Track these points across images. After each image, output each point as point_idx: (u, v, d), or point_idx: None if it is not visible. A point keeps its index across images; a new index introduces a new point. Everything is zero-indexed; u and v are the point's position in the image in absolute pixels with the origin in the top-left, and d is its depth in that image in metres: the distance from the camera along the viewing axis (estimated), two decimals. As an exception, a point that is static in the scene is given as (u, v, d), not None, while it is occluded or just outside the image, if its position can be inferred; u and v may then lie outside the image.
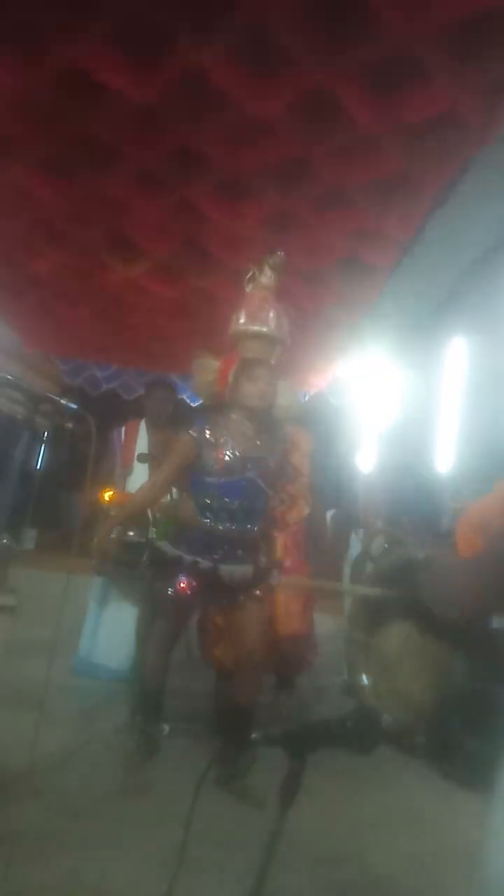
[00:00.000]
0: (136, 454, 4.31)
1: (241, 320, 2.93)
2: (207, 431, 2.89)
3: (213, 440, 2.88)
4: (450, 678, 1.53)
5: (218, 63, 3.23)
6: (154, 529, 3.63)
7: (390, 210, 4.22)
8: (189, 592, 2.90)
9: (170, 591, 2.92)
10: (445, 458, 4.65)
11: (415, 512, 3.64)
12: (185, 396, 5.97)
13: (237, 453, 2.89)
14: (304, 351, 6.19)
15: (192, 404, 5.90)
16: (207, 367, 2.98)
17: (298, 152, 3.88)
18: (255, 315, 2.90)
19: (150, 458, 4.21)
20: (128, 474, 4.27)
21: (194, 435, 2.90)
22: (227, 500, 2.88)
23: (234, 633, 3.12)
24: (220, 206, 4.48)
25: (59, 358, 7.74)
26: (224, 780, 2.78)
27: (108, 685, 4.09)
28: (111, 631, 4.32)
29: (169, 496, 3.48)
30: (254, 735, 1.42)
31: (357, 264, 4.84)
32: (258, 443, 2.94)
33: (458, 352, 4.77)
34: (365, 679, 1.64)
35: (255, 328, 2.88)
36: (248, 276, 3.04)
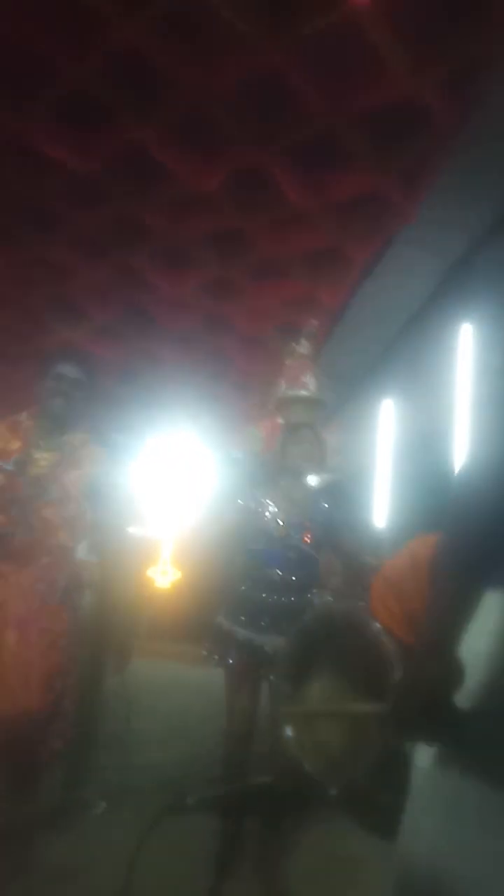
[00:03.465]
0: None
1: (283, 387, 3.06)
2: (253, 498, 2.93)
3: (257, 506, 2.91)
4: (366, 734, 1.56)
5: (158, 139, 3.45)
6: (89, 592, 3.57)
7: (322, 280, 4.47)
8: (239, 665, 2.80)
9: (227, 662, 2.82)
10: (381, 513, 4.78)
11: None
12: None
13: (280, 521, 2.89)
14: (245, 411, 6.35)
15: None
16: (253, 437, 3.07)
17: (235, 224, 4.11)
18: (297, 381, 3.04)
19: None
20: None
21: (241, 503, 2.93)
22: (268, 569, 2.84)
23: None
24: (161, 273, 4.66)
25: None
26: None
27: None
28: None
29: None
30: (188, 799, 1.42)
31: (294, 330, 5.06)
32: (304, 508, 2.94)
33: (388, 413, 4.99)
34: (289, 731, 1.66)
35: (298, 393, 3.01)
36: (285, 349, 3.21)
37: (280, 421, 3.03)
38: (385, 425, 4.97)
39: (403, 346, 4.86)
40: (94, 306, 5.16)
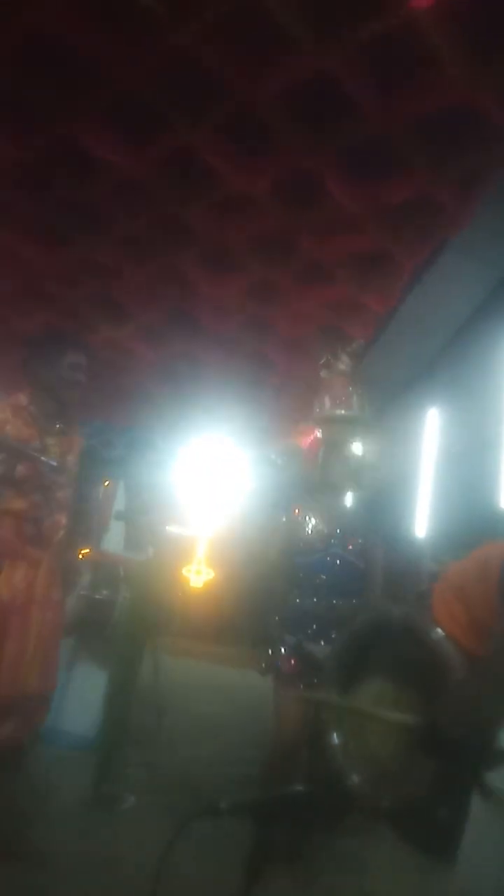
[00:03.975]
0: (113, 512, 4.31)
1: (326, 405, 3.10)
2: (296, 511, 2.98)
3: (301, 520, 2.97)
4: (420, 743, 1.50)
5: (207, 142, 3.42)
6: (125, 587, 3.60)
7: (369, 285, 4.40)
8: (290, 671, 2.83)
9: (273, 671, 2.88)
10: (422, 524, 4.70)
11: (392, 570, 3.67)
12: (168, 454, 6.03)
13: (322, 530, 2.95)
14: (286, 414, 6.31)
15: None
16: (294, 451, 3.14)
17: (282, 227, 4.07)
18: (338, 399, 3.07)
19: (127, 517, 4.21)
20: (104, 532, 4.26)
21: (284, 519, 2.99)
22: (313, 577, 2.92)
23: None
24: (205, 275, 4.65)
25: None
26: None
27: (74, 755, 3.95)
28: (80, 696, 4.20)
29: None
30: (221, 804, 1.39)
31: (335, 332, 5.01)
32: (347, 519, 3.01)
33: (432, 422, 4.90)
34: (335, 738, 1.60)
35: (340, 412, 3.06)
36: (323, 363, 3.23)
37: (320, 436, 3.07)
38: (430, 435, 4.88)
39: (450, 355, 4.76)
40: (139, 307, 5.18)
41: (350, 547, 2.98)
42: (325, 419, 3.15)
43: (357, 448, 3.06)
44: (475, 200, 3.47)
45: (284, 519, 3.02)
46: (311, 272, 4.46)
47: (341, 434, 3.08)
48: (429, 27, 2.64)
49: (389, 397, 5.13)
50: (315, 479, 3.08)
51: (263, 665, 2.92)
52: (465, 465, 4.30)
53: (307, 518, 2.98)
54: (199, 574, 7.30)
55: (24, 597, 2.57)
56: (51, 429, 2.76)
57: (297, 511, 3.00)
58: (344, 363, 3.22)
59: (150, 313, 5.24)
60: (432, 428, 4.89)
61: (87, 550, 4.07)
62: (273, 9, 2.65)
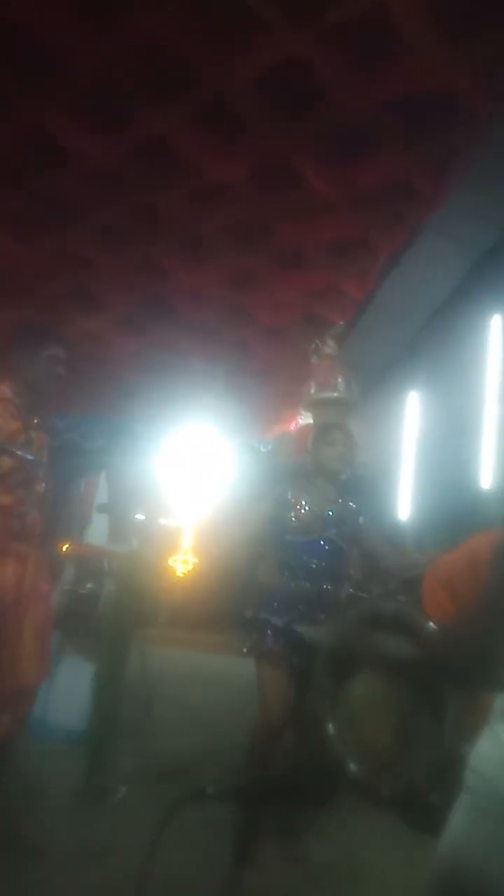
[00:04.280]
0: (95, 505, 4.29)
1: (313, 389, 3.07)
2: (289, 493, 2.96)
3: (293, 500, 2.94)
4: (415, 729, 1.53)
5: (179, 130, 3.38)
6: (110, 580, 3.59)
7: (346, 270, 4.39)
8: (275, 654, 2.81)
9: (263, 650, 2.83)
10: (405, 506, 4.73)
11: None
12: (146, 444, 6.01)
13: (316, 512, 2.94)
14: (268, 402, 6.31)
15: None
16: (285, 441, 3.11)
17: (258, 214, 4.04)
18: (326, 383, 3.05)
19: (110, 509, 4.19)
20: (86, 525, 4.24)
21: (274, 498, 2.96)
22: (305, 559, 2.91)
23: None
24: (182, 264, 4.61)
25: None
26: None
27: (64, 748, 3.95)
28: (68, 690, 4.19)
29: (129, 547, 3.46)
30: (208, 788, 1.40)
31: (318, 321, 5.00)
32: (338, 503, 3.00)
33: (413, 406, 4.92)
34: (331, 728, 1.63)
35: (328, 395, 3.03)
36: (311, 349, 3.20)
37: (311, 421, 3.05)
38: (410, 418, 4.90)
39: (430, 338, 4.78)
40: (115, 297, 5.14)
41: (338, 531, 2.98)
42: (314, 403, 3.13)
43: (347, 430, 3.06)
44: (449, 183, 3.47)
45: (276, 495, 2.99)
46: (288, 259, 4.45)
47: (331, 417, 3.06)
48: (400, 10, 2.62)
49: (370, 382, 5.13)
50: (307, 463, 3.06)
51: (245, 647, 2.91)
52: (447, 446, 4.33)
53: (301, 501, 2.97)
54: (184, 564, 7.30)
55: (14, 592, 2.56)
56: (31, 422, 2.74)
57: (290, 493, 2.98)
58: (330, 347, 3.22)
59: (127, 303, 5.20)
60: (413, 411, 4.91)
61: (69, 544, 4.04)
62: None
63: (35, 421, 2.74)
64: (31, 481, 2.65)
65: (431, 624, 1.52)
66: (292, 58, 2.90)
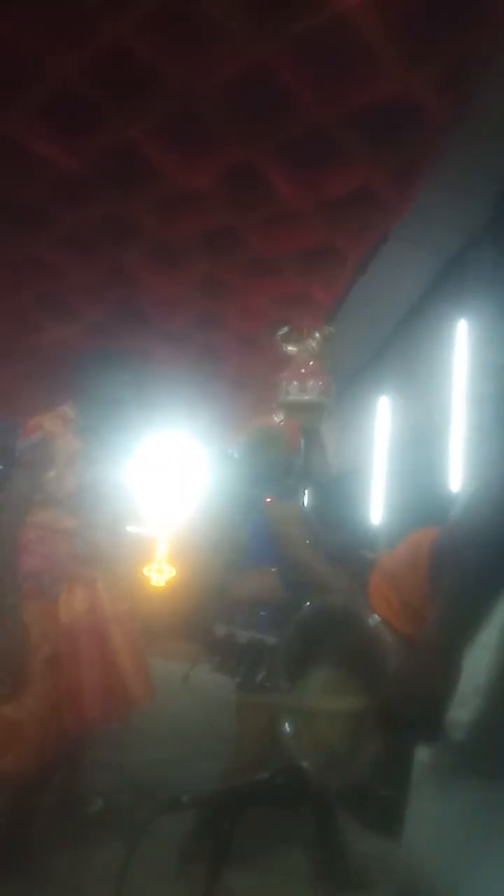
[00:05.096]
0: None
1: (292, 390, 2.94)
2: (267, 500, 2.79)
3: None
4: (365, 727, 1.55)
5: (148, 137, 3.40)
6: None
7: (315, 277, 4.44)
8: (245, 671, 2.72)
9: (232, 669, 2.69)
10: (377, 511, 4.77)
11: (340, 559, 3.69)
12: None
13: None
14: (241, 409, 6.32)
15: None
16: (272, 438, 2.91)
17: (227, 222, 4.07)
18: (312, 383, 2.93)
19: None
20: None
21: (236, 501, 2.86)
22: (264, 566, 2.76)
23: None
24: (153, 271, 4.62)
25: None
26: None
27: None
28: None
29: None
30: (183, 798, 1.40)
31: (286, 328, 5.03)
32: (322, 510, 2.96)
33: (383, 410, 4.97)
34: (287, 727, 1.64)
35: (314, 398, 2.90)
36: (281, 334, 3.05)
37: (293, 423, 2.95)
38: (381, 423, 4.95)
39: (399, 344, 4.84)
40: (86, 305, 5.12)
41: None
42: (294, 406, 2.99)
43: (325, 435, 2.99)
44: (414, 190, 3.54)
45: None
46: (258, 266, 4.48)
47: (312, 420, 2.96)
48: (362, 19, 2.67)
49: (340, 387, 5.18)
50: (293, 467, 2.94)
51: (221, 665, 2.80)
52: (417, 450, 4.38)
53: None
54: (160, 573, 7.25)
55: (89, 618, 2.48)
56: (94, 444, 2.68)
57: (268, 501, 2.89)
58: (316, 342, 3.09)
59: (97, 311, 5.18)
60: (383, 416, 4.96)
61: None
62: (208, 2, 2.64)
63: (98, 443, 2.68)
64: (94, 503, 2.58)
65: (376, 616, 1.56)
66: (258, 67, 2.94)
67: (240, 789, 1.54)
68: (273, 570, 2.81)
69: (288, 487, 2.86)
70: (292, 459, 2.89)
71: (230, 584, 2.92)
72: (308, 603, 1.84)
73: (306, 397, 2.93)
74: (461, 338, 3.89)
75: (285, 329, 3.12)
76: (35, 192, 3.87)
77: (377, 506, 4.78)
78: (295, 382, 2.95)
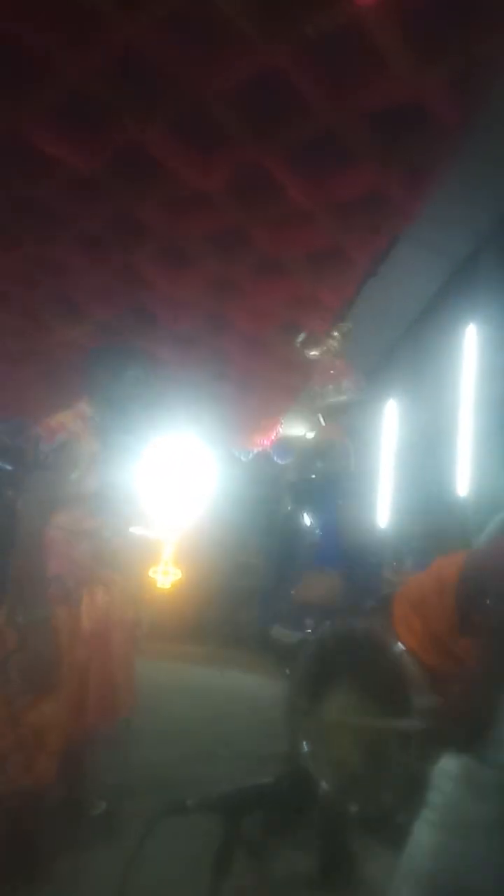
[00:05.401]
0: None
1: (327, 391, 2.93)
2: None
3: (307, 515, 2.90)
4: (386, 751, 1.53)
5: (159, 137, 3.41)
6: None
7: (324, 280, 4.43)
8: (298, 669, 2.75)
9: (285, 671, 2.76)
10: (384, 514, 4.74)
11: (354, 573, 3.67)
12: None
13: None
14: (248, 411, 6.32)
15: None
16: (328, 444, 2.89)
17: (236, 223, 4.07)
18: (342, 382, 2.90)
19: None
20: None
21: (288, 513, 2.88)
22: (318, 567, 2.86)
23: None
24: (162, 272, 4.63)
25: (-2, 418, 7.66)
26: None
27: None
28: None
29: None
30: (188, 801, 1.40)
31: (297, 330, 5.03)
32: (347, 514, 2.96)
33: (391, 414, 4.95)
34: (305, 746, 1.64)
35: (352, 397, 2.88)
36: (300, 341, 3.03)
37: (296, 428, 2.94)
38: (388, 426, 4.93)
39: (407, 347, 4.82)
40: (95, 305, 5.13)
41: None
42: (342, 406, 2.95)
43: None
44: (424, 193, 3.53)
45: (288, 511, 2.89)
46: (267, 268, 4.48)
47: (359, 418, 2.92)
48: (375, 22, 2.67)
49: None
50: (350, 468, 2.92)
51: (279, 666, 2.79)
52: (425, 454, 4.36)
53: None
54: (166, 575, 7.25)
55: (102, 623, 2.48)
56: (111, 442, 2.67)
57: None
58: (336, 341, 3.07)
59: (106, 311, 5.19)
60: (391, 419, 4.94)
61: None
62: (219, 2, 2.65)
63: (112, 441, 2.67)
64: (114, 503, 2.57)
65: (400, 644, 1.54)
66: (269, 69, 2.94)
67: (244, 793, 1.54)
68: (336, 573, 2.80)
69: (349, 489, 2.84)
70: (348, 461, 2.88)
71: (294, 587, 2.90)
72: (328, 622, 1.83)
73: (344, 397, 2.90)
74: (470, 342, 3.87)
75: (303, 336, 3.09)
76: (46, 192, 3.88)
77: (384, 511, 4.76)
78: (330, 385, 2.93)
